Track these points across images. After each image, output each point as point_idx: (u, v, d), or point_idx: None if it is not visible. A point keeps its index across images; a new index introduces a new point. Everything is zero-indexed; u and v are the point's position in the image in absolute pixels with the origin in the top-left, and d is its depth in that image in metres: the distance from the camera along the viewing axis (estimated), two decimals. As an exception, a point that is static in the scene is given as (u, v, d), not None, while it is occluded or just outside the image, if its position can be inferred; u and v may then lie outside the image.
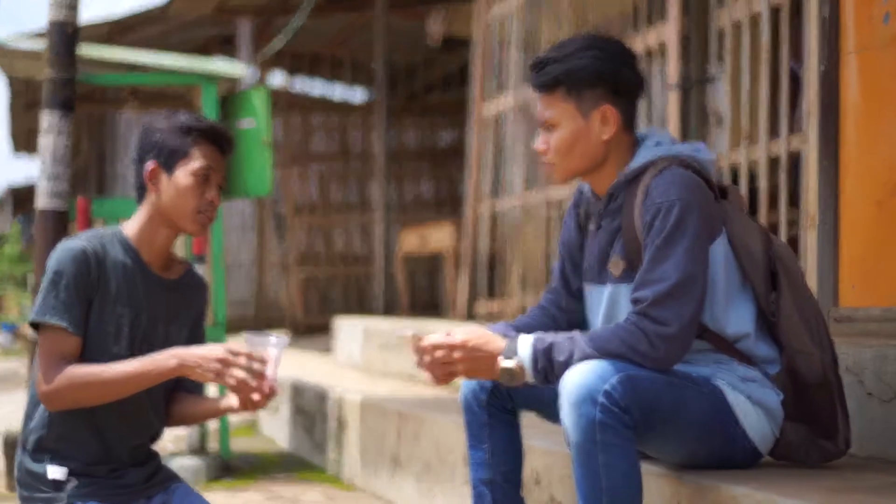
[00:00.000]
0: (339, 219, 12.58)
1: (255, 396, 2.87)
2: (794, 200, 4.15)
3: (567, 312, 3.03)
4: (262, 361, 2.86)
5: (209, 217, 3.03)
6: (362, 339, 7.50)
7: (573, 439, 2.53)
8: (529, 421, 3.05)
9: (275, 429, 7.00)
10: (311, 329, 12.22)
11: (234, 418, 7.34)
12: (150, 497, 3.09)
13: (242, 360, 2.84)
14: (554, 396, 2.81)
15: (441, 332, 2.76)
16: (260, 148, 5.88)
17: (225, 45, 12.64)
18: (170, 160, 3.01)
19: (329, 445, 5.75)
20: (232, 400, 2.94)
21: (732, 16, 4.43)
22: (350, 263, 12.64)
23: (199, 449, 5.55)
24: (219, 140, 3.06)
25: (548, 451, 3.42)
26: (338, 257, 12.61)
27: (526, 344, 2.65)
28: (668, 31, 4.91)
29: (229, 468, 5.62)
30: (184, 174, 3.00)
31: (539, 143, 2.84)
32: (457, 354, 2.69)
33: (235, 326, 11.51)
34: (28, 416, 3.02)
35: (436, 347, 2.70)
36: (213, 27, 12.13)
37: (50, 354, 2.92)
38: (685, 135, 4.78)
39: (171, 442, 6.62)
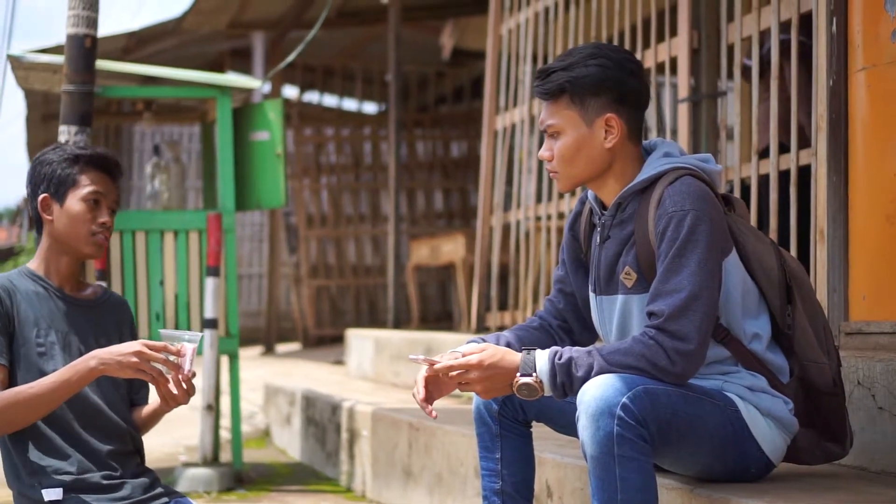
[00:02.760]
0: (350, 230, 12.62)
1: (174, 389, 2.97)
2: (805, 214, 4.17)
3: (565, 322, 3.06)
4: (179, 354, 2.96)
5: (104, 237, 3.19)
6: (373, 351, 7.53)
7: (590, 452, 2.55)
8: (541, 433, 3.07)
9: (286, 440, 7.03)
10: (323, 340, 12.26)
11: (246, 428, 7.36)
12: None
13: (159, 354, 2.94)
14: (566, 408, 2.84)
15: (451, 348, 2.78)
16: (273, 160, 5.92)
17: (238, 59, 12.72)
18: (60, 189, 3.18)
19: (341, 457, 5.77)
20: (158, 399, 3.05)
21: (742, 30, 4.46)
22: (361, 275, 12.67)
23: (212, 460, 5.58)
24: (106, 165, 3.21)
25: (560, 463, 3.44)
26: (349, 269, 12.65)
27: (544, 359, 2.67)
28: (679, 45, 4.94)
29: (242, 479, 5.64)
30: (74, 201, 3.17)
31: (543, 150, 2.87)
32: (472, 375, 2.70)
33: (247, 338, 11.57)
34: (4, 451, 3.12)
35: (451, 369, 2.73)
36: (226, 41, 12.21)
37: None
38: (696, 148, 4.80)
39: (184, 453, 6.65)
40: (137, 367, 2.95)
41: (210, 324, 5.53)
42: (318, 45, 10.48)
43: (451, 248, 9.39)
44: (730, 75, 4.68)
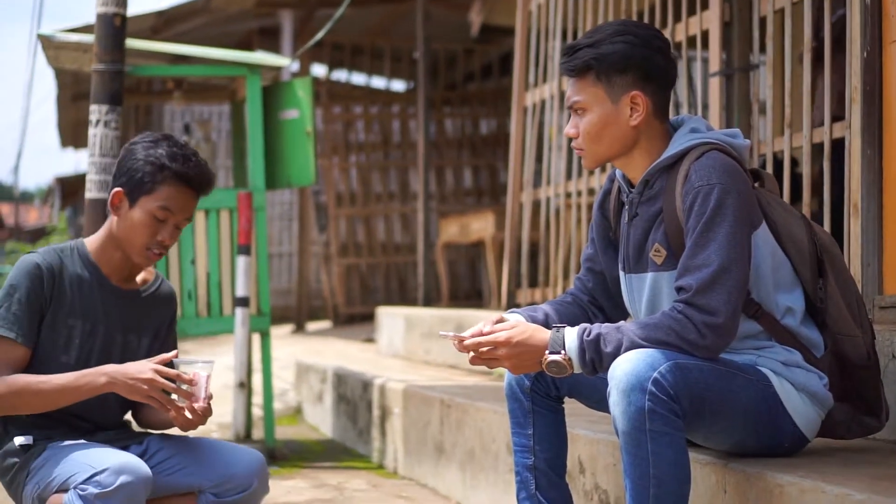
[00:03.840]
0: (379, 208, 12.62)
1: (188, 415, 2.95)
2: (839, 187, 4.14)
3: (595, 300, 3.06)
4: (191, 383, 2.94)
5: (157, 255, 3.13)
6: (404, 329, 7.54)
7: (622, 427, 2.54)
8: (573, 409, 3.07)
9: (318, 417, 7.06)
10: (353, 318, 12.29)
11: (278, 406, 7.40)
12: (125, 447, 3.16)
13: (169, 383, 2.93)
14: (598, 384, 2.84)
15: (481, 323, 2.78)
16: (303, 138, 5.93)
17: (266, 37, 12.71)
18: (135, 192, 3.10)
19: (372, 433, 5.79)
20: (173, 414, 3.01)
21: (775, 2, 4.42)
22: (391, 253, 12.68)
23: (245, 437, 5.61)
24: (191, 183, 3.12)
25: (592, 439, 3.44)
26: (379, 247, 12.65)
27: (573, 336, 2.66)
28: (710, 19, 4.90)
29: (274, 456, 5.67)
30: (142, 209, 3.10)
31: (569, 127, 2.85)
32: (501, 351, 2.70)
33: (278, 316, 11.63)
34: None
35: (479, 345, 2.72)
36: (254, 20, 12.20)
37: None
38: (728, 122, 4.76)
39: (217, 431, 6.69)
40: (147, 394, 2.95)
41: (241, 302, 5.56)
42: (347, 23, 10.45)
43: (480, 226, 9.38)
44: (762, 48, 4.63)
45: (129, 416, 3.32)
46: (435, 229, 11.11)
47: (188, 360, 3.01)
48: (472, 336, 2.73)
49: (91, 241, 3.20)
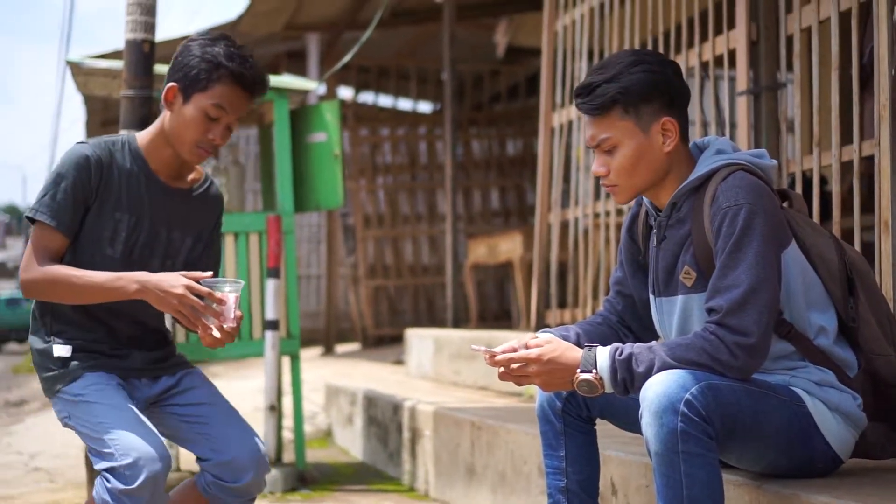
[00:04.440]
0: (407, 230, 12.65)
1: (216, 333, 2.99)
2: (868, 206, 4.12)
3: (625, 321, 3.06)
4: (220, 302, 2.98)
5: (207, 152, 3.15)
6: (433, 350, 7.54)
7: (654, 449, 2.53)
8: (605, 430, 3.06)
9: (348, 440, 7.06)
10: (381, 340, 12.30)
11: (308, 429, 7.40)
12: (155, 377, 3.25)
13: (198, 300, 2.97)
14: (630, 405, 2.83)
15: (513, 341, 2.78)
16: (331, 161, 5.95)
17: (293, 61, 12.78)
18: (189, 88, 3.11)
19: (403, 456, 5.78)
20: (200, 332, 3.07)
21: (801, 21, 4.41)
22: (419, 274, 12.70)
23: (275, 460, 5.62)
24: (246, 83, 3.12)
25: (624, 460, 3.43)
26: (407, 268, 12.67)
27: (604, 355, 2.66)
28: (737, 38, 4.89)
29: (305, 479, 5.68)
30: (195, 106, 3.11)
31: (597, 166, 2.83)
32: (532, 368, 2.70)
33: (306, 338, 11.64)
34: (36, 303, 3.22)
35: (511, 361, 2.72)
36: (281, 43, 12.28)
37: (36, 247, 3.10)
38: (756, 141, 4.75)
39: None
40: (176, 308, 2.99)
41: (271, 325, 5.57)
42: (373, 46, 10.50)
43: (508, 247, 9.38)
44: (789, 67, 4.63)
45: (169, 322, 3.32)
46: (463, 250, 11.12)
47: (219, 281, 3.03)
48: (504, 352, 2.73)
49: (142, 136, 3.22)
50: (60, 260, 3.12)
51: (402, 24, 11.34)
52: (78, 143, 3.19)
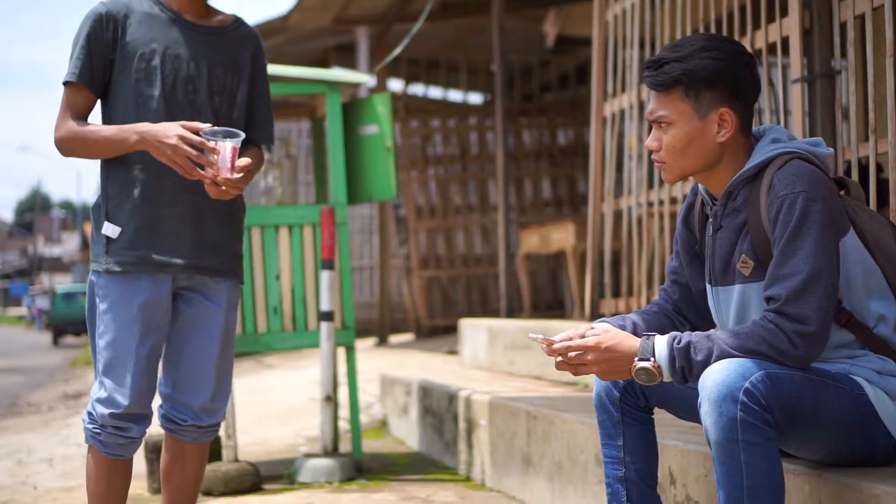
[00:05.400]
0: (459, 220, 12.67)
1: (214, 186, 3.15)
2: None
3: (681, 310, 3.05)
4: (214, 152, 3.10)
5: None
6: (487, 340, 7.56)
7: (714, 438, 2.53)
8: (663, 419, 3.07)
9: (404, 430, 7.10)
10: (435, 330, 12.34)
11: (364, 419, 7.45)
12: (191, 277, 3.40)
13: (191, 150, 3.11)
14: (688, 394, 2.83)
15: (569, 330, 2.79)
16: (383, 153, 5.99)
17: (343, 54, 12.84)
18: None
19: (459, 446, 5.81)
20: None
21: (855, 8, 4.38)
22: (471, 265, 12.72)
23: (332, 451, 5.67)
24: None
25: (683, 450, 3.43)
26: (459, 259, 12.70)
27: (662, 344, 2.67)
28: (790, 25, 4.86)
29: (361, 469, 5.72)
30: None
31: (651, 140, 2.84)
32: (590, 356, 2.71)
33: (360, 329, 11.71)
34: (99, 186, 3.38)
35: (569, 349, 2.74)
36: (331, 37, 12.33)
37: (64, 108, 3.28)
38: (811, 128, 4.73)
39: (305, 445, 6.76)
40: (171, 158, 3.13)
41: (326, 316, 5.62)
42: (422, 38, 10.53)
43: (560, 236, 9.38)
44: (843, 54, 4.59)
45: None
46: (515, 240, 11.13)
47: (218, 131, 3.12)
48: (562, 341, 2.75)
49: None
50: (86, 117, 3.29)
51: (451, 16, 11.36)
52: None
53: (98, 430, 3.40)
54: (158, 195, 3.31)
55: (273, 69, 6.07)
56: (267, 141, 3.54)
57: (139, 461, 4.55)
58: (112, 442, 3.39)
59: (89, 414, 3.42)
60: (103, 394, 3.37)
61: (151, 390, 3.43)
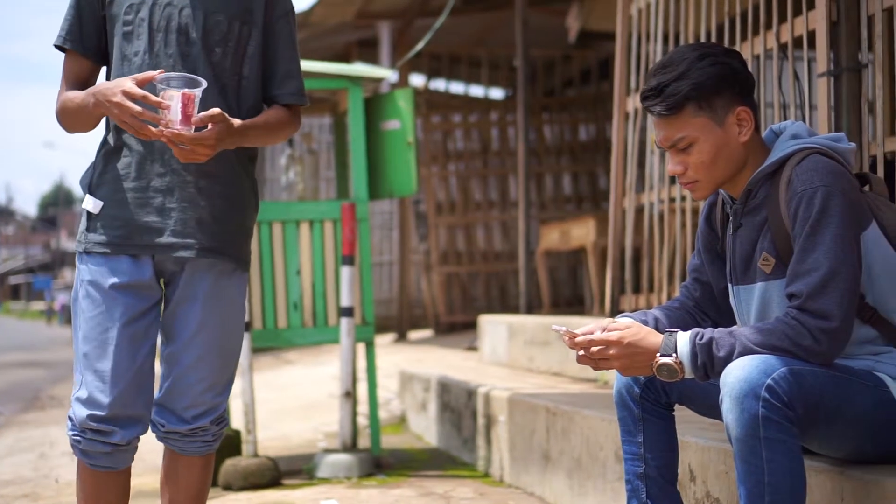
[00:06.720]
0: (479, 216, 12.64)
1: (176, 146, 2.79)
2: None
3: (703, 308, 3.03)
4: (159, 105, 2.75)
5: None
6: (507, 337, 7.54)
7: (735, 434, 2.51)
8: (683, 416, 3.04)
9: (422, 426, 7.08)
10: (454, 327, 12.32)
11: (382, 415, 7.44)
12: (180, 260, 3.02)
13: (135, 107, 2.75)
14: (709, 390, 2.80)
15: (591, 325, 2.76)
16: (404, 148, 5.97)
17: (365, 49, 12.82)
18: None
19: (478, 442, 5.79)
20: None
21: (883, 1, 4.33)
22: (491, 260, 12.69)
23: (351, 446, 5.65)
24: None
25: (703, 446, 3.40)
26: (479, 255, 12.67)
27: (685, 340, 2.64)
28: (816, 18, 4.81)
29: (380, 465, 5.71)
30: None
31: (673, 165, 2.80)
32: (612, 351, 2.69)
33: (379, 325, 11.68)
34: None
35: (591, 343, 2.71)
36: (353, 31, 12.32)
37: (62, 78, 3.03)
38: (837, 123, 4.68)
39: (324, 440, 6.76)
40: (119, 119, 2.80)
41: (346, 312, 5.60)
42: (444, 33, 10.50)
43: (581, 232, 9.34)
44: (870, 47, 4.55)
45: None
46: (535, 236, 11.09)
47: (170, 77, 2.75)
48: (584, 334, 2.72)
49: None
50: (84, 85, 3.00)
51: (473, 10, 11.33)
52: None
53: (78, 437, 3.01)
54: (143, 165, 2.97)
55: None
56: (292, 98, 3.14)
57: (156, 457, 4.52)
58: (93, 451, 3.00)
59: (69, 418, 3.04)
60: (83, 393, 2.98)
61: (140, 389, 3.02)
